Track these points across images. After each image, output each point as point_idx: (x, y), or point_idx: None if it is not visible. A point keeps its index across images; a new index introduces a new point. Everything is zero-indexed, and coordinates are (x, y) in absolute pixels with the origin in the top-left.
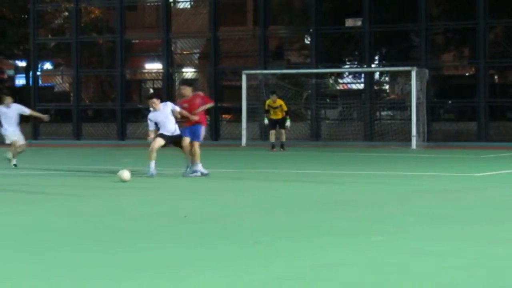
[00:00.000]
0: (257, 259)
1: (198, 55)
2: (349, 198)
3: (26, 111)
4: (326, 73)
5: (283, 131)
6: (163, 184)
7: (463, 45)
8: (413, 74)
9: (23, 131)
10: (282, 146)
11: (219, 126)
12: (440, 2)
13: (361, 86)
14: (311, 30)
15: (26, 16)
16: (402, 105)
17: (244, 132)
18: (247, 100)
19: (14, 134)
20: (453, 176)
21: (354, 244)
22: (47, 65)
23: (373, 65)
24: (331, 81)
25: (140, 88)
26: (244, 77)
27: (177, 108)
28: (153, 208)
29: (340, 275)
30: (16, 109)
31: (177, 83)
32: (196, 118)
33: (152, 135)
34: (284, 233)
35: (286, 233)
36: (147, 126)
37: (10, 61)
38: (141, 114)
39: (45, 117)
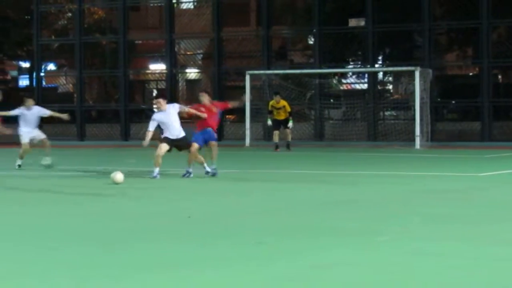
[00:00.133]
0: (260, 259)
1: (201, 55)
2: (353, 198)
3: (47, 112)
4: (329, 73)
5: (288, 131)
6: (165, 184)
7: (466, 45)
8: (417, 74)
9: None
10: (288, 146)
11: (222, 127)
12: (443, 2)
13: (365, 86)
14: (314, 30)
15: (29, 17)
16: (406, 105)
17: (247, 133)
18: (251, 100)
19: (29, 135)
20: (456, 176)
21: (358, 244)
22: (51, 66)
23: (376, 65)
24: (334, 81)
25: (144, 89)
26: (247, 78)
27: (186, 108)
28: (155, 208)
29: (343, 275)
30: (36, 112)
31: (180, 84)
32: (205, 115)
33: (149, 137)
34: (287, 233)
35: (289, 233)
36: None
37: (14, 62)
38: (145, 115)
39: (65, 116)
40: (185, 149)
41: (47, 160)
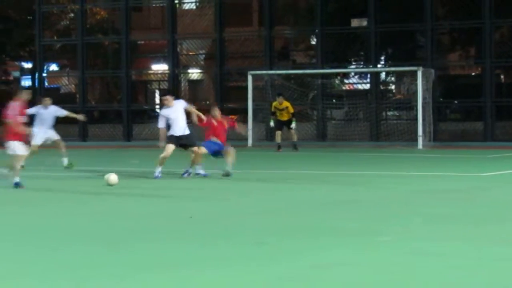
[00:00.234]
0: (261, 259)
1: (203, 56)
2: (354, 198)
3: (64, 112)
4: (331, 74)
5: (292, 131)
6: (166, 184)
7: (469, 45)
8: (419, 74)
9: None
10: (294, 146)
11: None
12: (445, 2)
13: (367, 86)
14: (316, 31)
15: (31, 18)
16: (408, 105)
17: (250, 133)
18: (253, 100)
19: (43, 136)
20: (459, 176)
21: (359, 244)
22: (53, 67)
23: (379, 65)
24: (337, 81)
25: (146, 89)
26: (250, 78)
27: (191, 107)
28: (156, 209)
29: (344, 275)
30: (53, 111)
31: (182, 84)
32: (204, 117)
33: (163, 134)
34: (287, 234)
35: (290, 233)
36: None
37: (16, 63)
38: (147, 115)
39: (81, 116)
40: (190, 148)
41: (65, 161)
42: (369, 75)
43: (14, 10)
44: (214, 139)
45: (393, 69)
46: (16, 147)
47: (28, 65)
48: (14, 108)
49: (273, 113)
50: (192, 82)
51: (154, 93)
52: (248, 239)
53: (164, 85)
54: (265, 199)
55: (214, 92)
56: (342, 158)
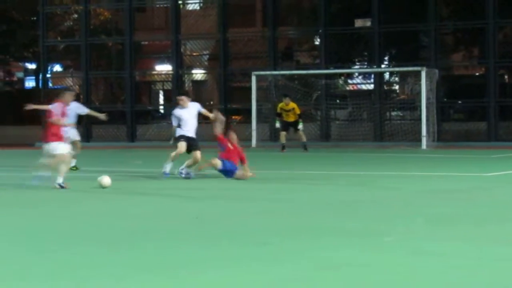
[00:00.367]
0: (265, 260)
1: (207, 56)
2: (358, 198)
3: (85, 110)
4: (335, 74)
5: (300, 132)
6: (168, 185)
7: (472, 45)
8: (423, 74)
9: (33, 133)
10: (304, 147)
11: (228, 127)
12: (449, 2)
13: (371, 86)
14: (320, 31)
15: (35, 19)
16: (412, 105)
17: (254, 133)
18: (257, 101)
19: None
20: (463, 176)
21: (362, 245)
22: (57, 67)
23: (382, 66)
24: (340, 81)
25: (150, 90)
26: (253, 78)
27: (203, 110)
28: (158, 209)
29: (348, 276)
30: (75, 108)
31: (186, 85)
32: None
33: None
34: (291, 234)
35: (294, 233)
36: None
37: (20, 64)
38: (151, 116)
39: (102, 116)
40: (193, 151)
41: (73, 163)
42: (372, 75)
43: (18, 11)
44: (228, 161)
45: (397, 69)
46: (58, 148)
47: (32, 66)
48: (56, 109)
49: (279, 114)
50: (196, 83)
51: (158, 93)
52: (251, 239)
53: (168, 86)
54: (269, 199)
55: (218, 92)
56: (346, 159)
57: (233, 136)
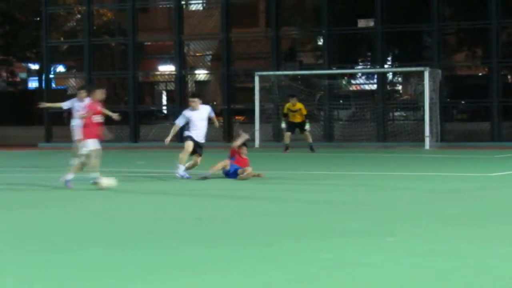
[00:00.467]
0: (270, 260)
1: (210, 57)
2: (362, 199)
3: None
4: (338, 74)
5: (307, 133)
6: (172, 186)
7: (475, 45)
8: (426, 74)
9: (36, 133)
10: (311, 148)
11: (232, 128)
12: (452, 2)
13: (374, 86)
14: (323, 31)
15: (38, 19)
16: (415, 105)
17: (257, 134)
18: (260, 101)
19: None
20: (466, 176)
21: (367, 245)
22: (60, 68)
23: (385, 66)
24: (343, 82)
25: (153, 91)
26: (256, 79)
27: (213, 115)
28: (163, 210)
29: (353, 276)
30: None
31: (189, 85)
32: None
33: (173, 133)
34: (296, 235)
35: (299, 234)
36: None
37: (23, 64)
38: (154, 116)
39: (116, 115)
40: (195, 154)
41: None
42: (376, 76)
43: (21, 11)
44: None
45: (400, 69)
46: (91, 144)
47: (35, 67)
48: (89, 108)
49: (285, 115)
50: (199, 83)
51: (161, 94)
52: (256, 240)
53: (171, 86)
54: (273, 199)
55: (221, 93)
56: (349, 159)
57: (245, 151)
